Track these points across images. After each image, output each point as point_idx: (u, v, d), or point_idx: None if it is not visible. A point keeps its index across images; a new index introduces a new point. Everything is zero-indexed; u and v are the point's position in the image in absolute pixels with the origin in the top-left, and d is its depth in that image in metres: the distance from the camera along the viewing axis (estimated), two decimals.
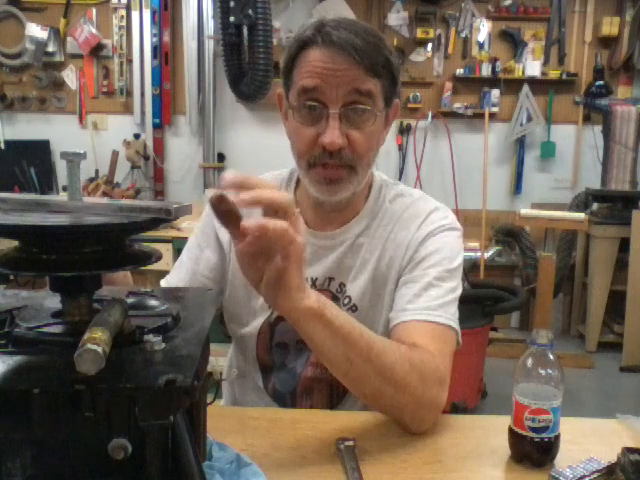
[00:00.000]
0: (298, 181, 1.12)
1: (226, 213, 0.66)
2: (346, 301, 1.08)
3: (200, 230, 1.15)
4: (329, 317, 0.77)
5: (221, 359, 1.35)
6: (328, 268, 1.08)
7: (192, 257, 1.13)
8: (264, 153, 4.15)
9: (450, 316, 0.99)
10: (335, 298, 1.08)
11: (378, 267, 1.07)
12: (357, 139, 0.95)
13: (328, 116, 0.93)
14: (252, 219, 0.67)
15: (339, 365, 0.83)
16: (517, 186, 4.37)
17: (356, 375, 0.83)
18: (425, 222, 1.06)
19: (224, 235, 1.11)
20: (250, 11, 2.95)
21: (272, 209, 0.69)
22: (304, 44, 0.95)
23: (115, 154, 3.98)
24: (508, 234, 4.18)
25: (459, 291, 1.04)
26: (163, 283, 1.13)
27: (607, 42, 4.22)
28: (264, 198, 0.68)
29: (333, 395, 1.10)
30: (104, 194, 3.32)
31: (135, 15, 4.15)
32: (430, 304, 0.98)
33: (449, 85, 4.23)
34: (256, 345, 1.12)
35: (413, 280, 1.02)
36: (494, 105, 4.20)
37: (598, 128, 4.17)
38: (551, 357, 0.82)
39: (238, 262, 0.73)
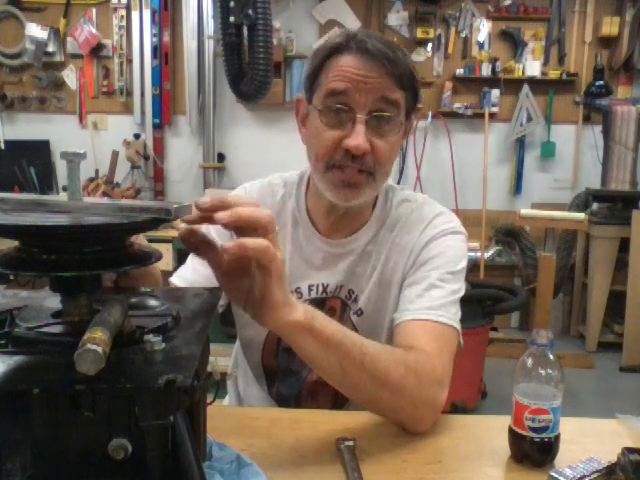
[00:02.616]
0: (308, 185, 1.12)
1: (199, 244, 0.69)
2: (354, 307, 1.08)
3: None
4: (319, 328, 0.77)
5: (221, 359, 1.34)
6: (339, 276, 1.08)
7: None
8: (264, 153, 4.15)
9: (452, 316, 0.98)
10: (344, 304, 1.08)
11: (383, 271, 1.07)
12: (380, 147, 0.96)
13: (354, 120, 0.94)
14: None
15: (334, 374, 0.82)
16: (517, 186, 4.37)
17: (351, 383, 0.83)
18: (429, 226, 1.06)
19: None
20: (250, 11, 2.94)
21: (252, 227, 0.67)
22: (336, 49, 0.96)
23: (115, 154, 3.98)
24: (508, 234, 4.18)
25: (461, 293, 1.04)
26: (175, 279, 1.08)
27: (607, 42, 4.22)
28: (243, 215, 0.66)
29: (338, 398, 1.10)
30: (104, 194, 3.32)
31: (135, 15, 4.15)
32: (432, 304, 0.98)
33: (449, 85, 4.23)
34: (262, 349, 1.12)
35: (416, 282, 1.02)
36: (494, 105, 4.20)
37: (598, 128, 4.17)
38: (551, 357, 0.82)
39: (221, 287, 0.74)
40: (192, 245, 0.69)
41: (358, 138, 0.93)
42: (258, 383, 1.16)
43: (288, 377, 1.12)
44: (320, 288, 1.08)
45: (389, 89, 0.94)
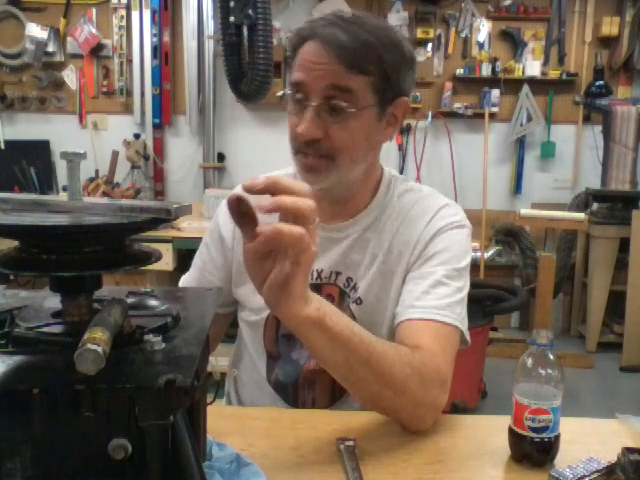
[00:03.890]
0: None
1: (243, 214, 0.67)
2: (353, 295, 1.08)
3: (208, 230, 1.19)
4: (329, 324, 0.77)
5: (221, 359, 1.35)
6: (334, 261, 1.08)
7: (201, 256, 1.18)
8: (264, 153, 4.15)
9: (456, 316, 0.99)
10: (342, 292, 1.08)
11: (386, 261, 1.06)
12: (336, 133, 0.95)
13: (306, 108, 0.95)
14: (268, 224, 0.67)
15: (339, 370, 0.83)
16: (517, 186, 4.37)
17: (355, 379, 0.83)
18: (435, 218, 1.06)
19: (226, 231, 1.14)
20: (250, 11, 2.94)
21: (293, 216, 0.68)
22: (302, 39, 0.97)
23: (115, 154, 3.98)
24: (508, 234, 4.18)
25: (466, 290, 1.04)
26: (180, 283, 1.20)
27: (607, 42, 4.22)
28: (286, 205, 0.67)
29: (335, 389, 1.10)
30: (104, 194, 3.31)
31: (135, 15, 4.15)
32: (438, 303, 0.98)
33: (449, 85, 4.23)
34: (263, 334, 1.12)
35: (421, 277, 1.02)
36: (494, 105, 4.20)
37: (598, 128, 4.17)
38: (551, 357, 0.82)
39: (244, 260, 0.72)
40: (236, 214, 0.68)
41: (303, 126, 0.94)
42: (258, 369, 1.15)
43: (287, 364, 1.12)
44: (314, 274, 1.08)
45: (339, 76, 0.92)
